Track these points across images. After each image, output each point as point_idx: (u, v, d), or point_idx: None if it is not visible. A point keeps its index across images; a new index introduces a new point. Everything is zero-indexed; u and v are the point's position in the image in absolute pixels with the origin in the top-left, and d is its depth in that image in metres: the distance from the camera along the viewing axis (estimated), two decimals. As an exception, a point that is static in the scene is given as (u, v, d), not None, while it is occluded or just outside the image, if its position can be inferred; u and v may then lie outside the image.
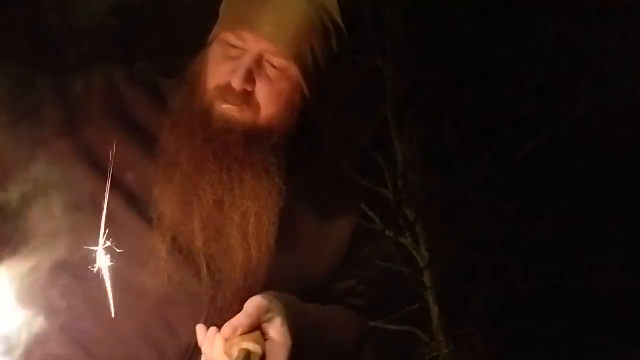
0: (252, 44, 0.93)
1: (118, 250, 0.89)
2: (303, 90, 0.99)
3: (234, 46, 0.94)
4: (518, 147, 6.32)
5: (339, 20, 0.99)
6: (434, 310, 6.32)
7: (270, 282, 0.95)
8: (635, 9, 5.51)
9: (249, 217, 0.94)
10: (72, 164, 0.93)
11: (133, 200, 0.93)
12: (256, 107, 0.95)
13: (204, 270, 0.92)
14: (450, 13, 6.19)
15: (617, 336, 6.18)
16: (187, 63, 1.01)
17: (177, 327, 0.92)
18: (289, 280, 0.98)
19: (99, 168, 0.92)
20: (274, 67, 0.94)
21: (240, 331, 0.86)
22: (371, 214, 6.37)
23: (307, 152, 1.06)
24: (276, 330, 0.88)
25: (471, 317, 6.60)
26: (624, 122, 5.94)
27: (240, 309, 0.91)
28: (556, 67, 6.12)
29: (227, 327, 0.86)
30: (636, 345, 5.86)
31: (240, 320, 0.87)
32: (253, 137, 0.95)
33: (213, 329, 0.87)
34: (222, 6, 1.00)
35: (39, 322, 0.87)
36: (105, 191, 0.89)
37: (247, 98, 0.94)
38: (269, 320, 0.89)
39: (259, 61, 0.94)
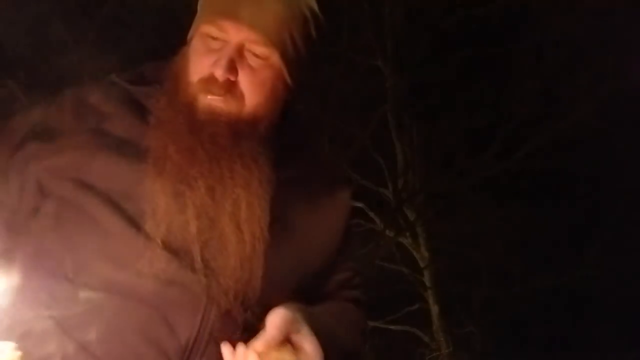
0: (233, 33, 0.94)
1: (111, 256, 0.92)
2: (285, 79, 0.99)
3: (214, 38, 0.95)
4: (518, 147, 6.32)
5: (316, 7, 1.00)
6: (434, 310, 6.32)
7: (267, 273, 0.95)
8: (636, 9, 5.51)
9: (240, 204, 0.94)
10: (59, 182, 0.95)
11: (121, 207, 0.93)
12: (240, 97, 0.95)
13: (198, 258, 0.92)
14: (451, 13, 6.20)
15: (617, 336, 6.18)
16: (160, 67, 1.03)
17: (175, 324, 0.91)
18: (287, 271, 0.98)
19: (84, 183, 0.94)
20: (255, 55, 0.95)
21: (272, 344, 0.86)
22: (371, 214, 6.37)
23: (294, 143, 1.06)
24: (307, 340, 0.88)
25: (471, 318, 6.60)
26: (624, 122, 5.95)
27: (240, 302, 0.92)
28: (556, 67, 6.12)
29: (258, 341, 0.86)
30: (636, 345, 5.86)
31: (271, 332, 0.86)
32: (239, 126, 0.95)
33: (241, 345, 0.87)
34: (201, 1, 1.00)
35: (40, 323, 0.89)
36: (92, 203, 0.93)
37: (230, 88, 0.94)
38: (297, 331, 0.89)
39: (240, 51, 0.95)
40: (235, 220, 0.94)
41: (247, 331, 0.93)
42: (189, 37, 1.00)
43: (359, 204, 6.26)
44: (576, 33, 5.92)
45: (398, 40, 6.42)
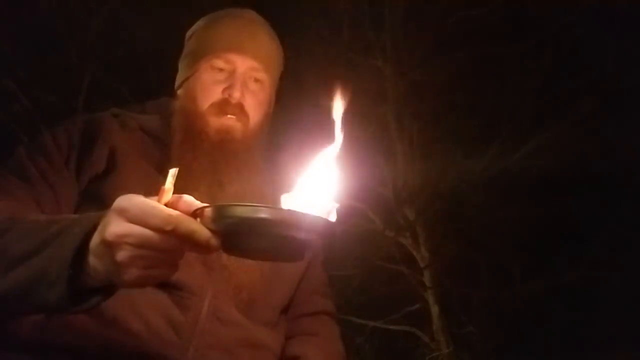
0: (239, 64, 1.16)
1: None
2: (272, 101, 1.23)
3: (220, 70, 1.16)
4: (518, 147, 6.31)
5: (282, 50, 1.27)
6: (434, 310, 6.31)
7: (264, 267, 1.11)
8: (635, 8, 5.51)
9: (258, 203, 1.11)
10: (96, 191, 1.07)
11: None
12: (246, 116, 1.16)
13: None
14: (450, 13, 6.20)
15: (618, 336, 6.17)
16: (160, 103, 1.22)
17: (186, 305, 1.02)
18: (276, 269, 1.12)
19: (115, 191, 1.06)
20: (256, 81, 1.18)
21: None
22: (371, 214, 6.36)
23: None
24: None
25: (471, 317, 6.60)
26: (625, 121, 5.95)
27: (242, 290, 1.07)
28: (556, 67, 6.12)
29: None
30: (637, 345, 5.86)
31: None
32: (248, 141, 1.15)
33: None
34: (197, 45, 1.21)
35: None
36: None
37: (241, 109, 1.15)
38: None
39: (244, 77, 1.16)
40: None
41: (244, 313, 1.07)
42: (187, 76, 1.20)
43: (359, 204, 6.26)
44: (576, 32, 5.93)
45: (398, 40, 6.41)
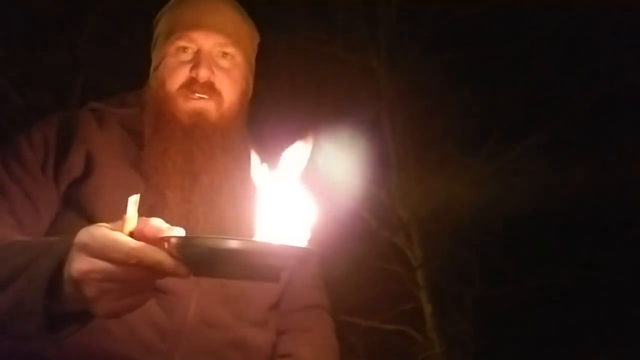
0: (203, 41, 1.09)
1: None
2: (248, 78, 1.15)
3: (185, 51, 1.09)
4: (511, 147, 6.32)
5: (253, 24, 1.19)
6: (427, 309, 6.31)
7: None
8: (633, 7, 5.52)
9: (236, 192, 1.05)
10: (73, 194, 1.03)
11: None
12: (219, 96, 1.09)
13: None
14: (444, 13, 6.20)
15: (613, 335, 6.17)
16: (138, 94, 1.16)
17: (171, 308, 0.98)
18: None
19: (92, 196, 1.01)
20: (225, 56, 1.10)
21: None
22: (365, 213, 6.35)
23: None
24: None
25: (464, 317, 6.60)
26: (618, 122, 5.96)
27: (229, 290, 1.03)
28: (552, 66, 6.14)
29: None
30: (627, 343, 5.87)
31: None
32: (223, 123, 1.09)
33: None
34: (162, 30, 1.14)
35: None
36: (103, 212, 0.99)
37: (211, 87, 1.08)
38: None
39: (211, 55, 1.09)
40: (233, 204, 1.05)
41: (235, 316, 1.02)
42: (155, 65, 1.13)
43: (353, 204, 6.25)
44: (569, 33, 5.94)
45: (392, 40, 6.41)
